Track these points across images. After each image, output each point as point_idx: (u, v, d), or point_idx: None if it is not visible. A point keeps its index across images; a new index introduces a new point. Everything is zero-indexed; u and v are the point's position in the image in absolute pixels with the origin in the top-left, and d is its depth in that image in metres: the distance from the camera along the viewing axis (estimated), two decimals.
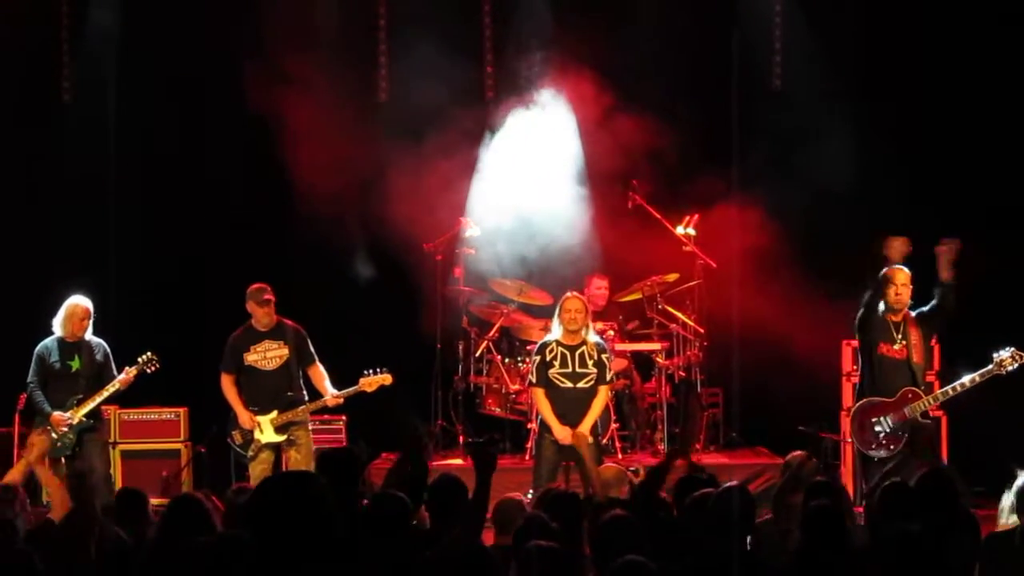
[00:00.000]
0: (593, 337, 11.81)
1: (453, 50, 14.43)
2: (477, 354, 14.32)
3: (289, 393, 12.17)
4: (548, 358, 11.62)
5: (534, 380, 11.73)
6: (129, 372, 12.11)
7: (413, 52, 14.56)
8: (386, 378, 12.26)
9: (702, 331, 14.25)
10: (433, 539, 6.99)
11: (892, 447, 11.09)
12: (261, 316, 12.21)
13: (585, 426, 11.37)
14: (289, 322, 12.31)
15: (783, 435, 12.97)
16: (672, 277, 14.18)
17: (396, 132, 14.41)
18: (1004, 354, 10.97)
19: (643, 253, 14.24)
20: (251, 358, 12.19)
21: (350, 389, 12.22)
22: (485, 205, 14.48)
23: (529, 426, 13.37)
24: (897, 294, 11.25)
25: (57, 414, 11.89)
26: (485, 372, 14.38)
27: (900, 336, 11.26)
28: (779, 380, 13.37)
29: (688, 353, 14.18)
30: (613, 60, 14.45)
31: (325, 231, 13.94)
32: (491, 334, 14.31)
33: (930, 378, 11.90)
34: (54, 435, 11.86)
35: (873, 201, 14.10)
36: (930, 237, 11.55)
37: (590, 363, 11.60)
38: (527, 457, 13.27)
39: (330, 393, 12.20)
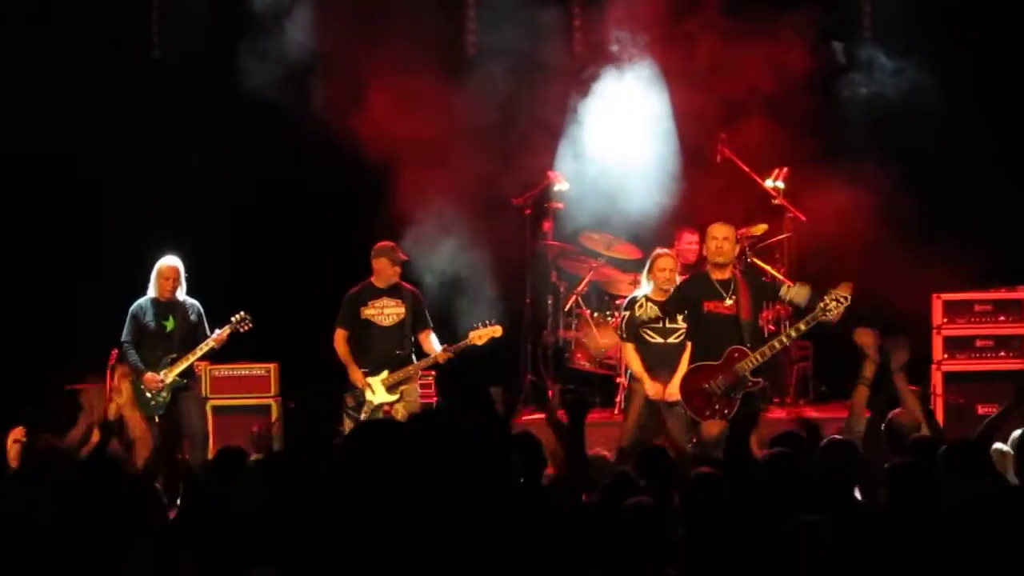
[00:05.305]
0: None
1: (541, 1, 14.40)
2: (566, 308, 14.31)
3: (400, 351, 12.23)
4: (638, 313, 11.60)
5: (624, 335, 11.73)
6: (222, 332, 12.18)
7: (501, 4, 14.52)
8: (496, 330, 12.29)
9: (791, 284, 14.13)
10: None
11: (727, 411, 10.90)
12: (391, 275, 12.25)
13: (675, 384, 11.32)
14: (407, 285, 12.38)
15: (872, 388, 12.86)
16: (760, 229, 14.05)
17: (483, 86, 14.35)
18: (827, 299, 10.77)
19: (732, 206, 14.12)
20: (368, 312, 12.26)
21: (460, 344, 12.28)
22: (574, 159, 14.42)
23: (618, 380, 13.35)
24: (718, 247, 11.16)
25: (150, 374, 11.99)
26: (574, 326, 14.37)
27: (730, 293, 11.12)
28: None
29: (777, 307, 14.09)
30: (700, 13, 14.30)
31: (411, 186, 13.92)
32: (580, 288, 14.29)
33: None
34: (148, 394, 11.98)
35: (962, 153, 13.95)
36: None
37: (680, 319, 11.55)
38: (616, 412, 13.28)
39: (439, 349, 12.23)
